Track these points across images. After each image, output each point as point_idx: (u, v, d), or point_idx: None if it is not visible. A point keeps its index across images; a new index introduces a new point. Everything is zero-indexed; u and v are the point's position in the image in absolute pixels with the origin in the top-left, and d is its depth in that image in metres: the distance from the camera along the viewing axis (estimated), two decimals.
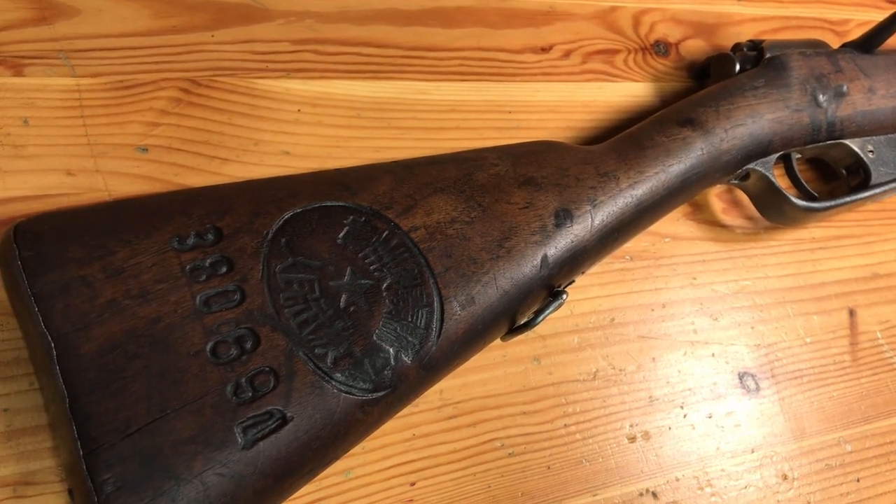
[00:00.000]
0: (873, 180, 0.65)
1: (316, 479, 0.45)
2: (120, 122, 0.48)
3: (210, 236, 0.41)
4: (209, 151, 0.50)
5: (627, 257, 0.59)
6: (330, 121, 0.54)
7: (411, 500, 0.47)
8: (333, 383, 0.40)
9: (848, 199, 0.63)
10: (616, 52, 0.66)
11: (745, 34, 0.73)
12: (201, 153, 0.50)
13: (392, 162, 0.50)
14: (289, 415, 0.38)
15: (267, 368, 0.39)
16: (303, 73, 0.54)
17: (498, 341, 0.52)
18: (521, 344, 0.54)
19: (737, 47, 0.66)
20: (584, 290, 0.57)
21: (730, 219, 0.65)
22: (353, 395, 0.40)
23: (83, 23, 0.50)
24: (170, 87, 0.50)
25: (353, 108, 0.55)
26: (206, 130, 0.50)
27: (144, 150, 0.48)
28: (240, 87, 0.52)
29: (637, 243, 0.59)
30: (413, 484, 0.48)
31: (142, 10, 0.52)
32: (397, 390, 0.42)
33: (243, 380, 0.38)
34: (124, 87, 0.49)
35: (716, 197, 0.65)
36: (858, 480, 0.60)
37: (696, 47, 0.70)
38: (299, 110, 0.53)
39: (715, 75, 0.65)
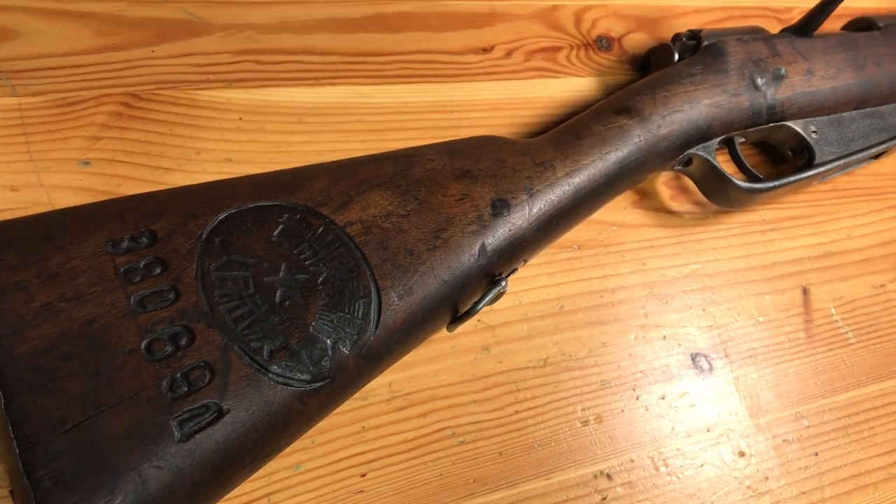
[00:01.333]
0: (817, 160, 0.66)
1: (265, 473, 0.46)
2: (62, 137, 0.50)
3: (144, 239, 0.42)
4: (151, 162, 0.51)
5: (575, 246, 0.60)
6: (272, 127, 0.55)
7: (362, 491, 0.48)
8: (270, 375, 0.41)
9: (791, 178, 0.64)
10: (558, 49, 0.68)
11: (688, 26, 0.74)
12: (144, 164, 0.51)
13: (331, 162, 0.51)
14: (225, 407, 0.39)
15: (202, 363, 0.39)
16: (244, 83, 0.56)
17: (445, 332, 0.53)
18: (471, 334, 0.55)
19: (676, 37, 0.67)
20: (531, 280, 0.58)
21: (678, 205, 0.66)
22: (291, 386, 0.41)
23: (24, 44, 0.51)
24: (111, 101, 0.52)
25: (296, 114, 0.56)
26: (147, 142, 0.52)
27: (87, 163, 0.50)
28: (181, 98, 0.54)
29: (584, 232, 0.61)
30: (364, 475, 0.49)
31: (83, 29, 0.53)
32: (336, 381, 0.43)
33: (179, 375, 0.39)
34: (66, 104, 0.51)
35: (663, 184, 0.66)
36: (817, 454, 0.60)
37: (639, 41, 0.71)
38: (241, 118, 0.55)
39: (655, 66, 0.67)
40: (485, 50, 0.65)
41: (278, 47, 0.58)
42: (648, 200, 0.65)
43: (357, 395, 0.49)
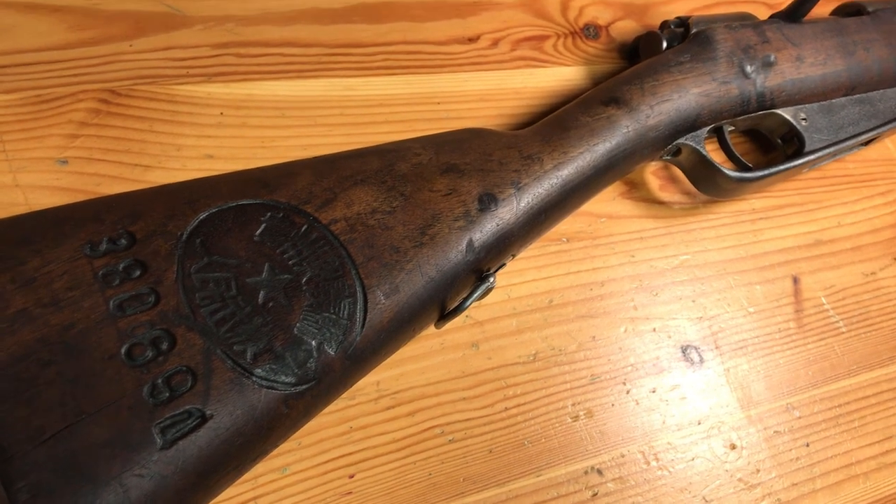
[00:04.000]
0: (807, 147, 0.66)
1: (251, 476, 0.46)
2: (38, 135, 0.48)
3: (123, 241, 0.41)
4: (131, 160, 0.50)
5: (564, 239, 0.59)
6: (255, 122, 0.54)
7: (350, 493, 0.47)
8: (254, 379, 0.40)
9: (781, 167, 0.63)
10: (545, 37, 0.67)
11: (676, 13, 0.73)
12: (123, 162, 0.50)
13: (314, 157, 0.50)
14: (208, 413, 0.38)
15: (184, 368, 0.39)
16: (224, 77, 0.55)
17: (433, 329, 0.52)
18: (459, 331, 0.54)
19: (664, 25, 0.66)
20: (520, 274, 0.57)
21: (667, 195, 0.65)
22: (276, 389, 0.40)
23: None
24: (88, 98, 0.50)
25: (278, 108, 0.55)
26: (126, 139, 0.50)
27: (64, 162, 0.48)
28: (160, 94, 0.52)
29: (573, 225, 0.60)
30: (352, 476, 0.48)
31: (57, 23, 0.52)
32: (322, 382, 0.42)
33: (160, 380, 0.38)
34: (42, 101, 0.49)
35: (652, 174, 0.65)
36: (808, 445, 0.60)
37: (626, 28, 0.71)
38: (222, 113, 0.53)
39: (644, 54, 0.66)
40: (470, 40, 0.64)
41: (259, 39, 0.57)
42: (637, 191, 0.64)
43: (344, 394, 0.48)
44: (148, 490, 0.36)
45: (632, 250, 0.61)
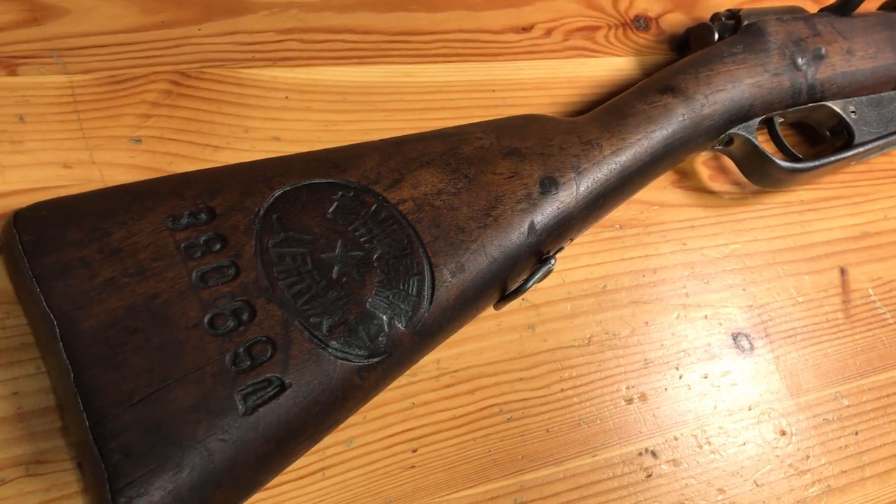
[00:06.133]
0: (856, 140, 0.66)
1: (319, 448, 0.47)
2: (113, 115, 0.50)
3: (203, 215, 0.42)
4: (201, 140, 0.51)
5: (617, 226, 0.60)
6: (318, 106, 0.55)
7: (413, 467, 0.49)
8: (330, 350, 0.41)
9: (831, 158, 0.64)
10: (597, 28, 0.68)
11: (724, 6, 0.74)
12: (193, 142, 0.51)
13: (380, 140, 0.51)
14: (287, 381, 0.39)
15: (264, 338, 0.40)
16: (289, 62, 0.56)
17: (492, 311, 0.53)
18: (515, 313, 0.55)
19: (715, 17, 0.67)
20: (574, 259, 0.58)
21: (717, 185, 0.66)
22: (350, 361, 0.41)
23: (73, 22, 0.51)
24: (160, 79, 0.52)
25: (340, 93, 0.56)
26: (196, 120, 0.52)
27: (138, 140, 0.50)
28: (228, 77, 0.54)
29: (625, 212, 0.61)
30: (415, 450, 0.49)
31: (130, 7, 0.53)
32: (392, 356, 0.43)
33: (241, 349, 0.39)
34: (116, 82, 0.51)
35: (702, 164, 0.66)
36: (857, 433, 0.60)
37: (676, 20, 0.71)
38: (287, 97, 0.55)
39: (695, 46, 0.66)
40: (524, 29, 0.65)
41: (321, 26, 0.58)
42: (688, 180, 0.65)
43: (407, 372, 0.49)
44: (230, 454, 0.37)
45: (683, 238, 0.62)
